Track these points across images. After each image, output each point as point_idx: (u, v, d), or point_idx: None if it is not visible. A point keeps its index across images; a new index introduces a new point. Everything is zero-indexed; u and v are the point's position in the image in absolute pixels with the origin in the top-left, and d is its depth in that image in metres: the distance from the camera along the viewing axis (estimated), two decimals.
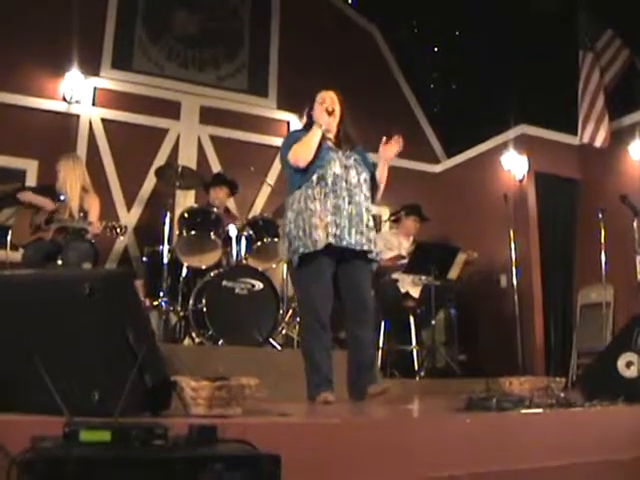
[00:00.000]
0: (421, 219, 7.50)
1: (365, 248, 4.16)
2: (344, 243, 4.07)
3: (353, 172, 4.21)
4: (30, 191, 6.09)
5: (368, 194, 4.29)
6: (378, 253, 4.33)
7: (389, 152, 4.31)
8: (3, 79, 7.21)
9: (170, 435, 1.62)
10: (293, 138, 4.34)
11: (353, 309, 4.24)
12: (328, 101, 4.34)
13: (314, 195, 4.12)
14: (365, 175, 4.29)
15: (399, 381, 6.25)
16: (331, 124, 4.31)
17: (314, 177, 4.15)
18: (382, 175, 4.39)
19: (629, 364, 4.00)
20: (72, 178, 6.11)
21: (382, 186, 4.44)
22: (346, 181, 4.16)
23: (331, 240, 4.03)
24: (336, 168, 4.17)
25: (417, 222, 7.46)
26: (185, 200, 7.59)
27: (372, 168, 4.41)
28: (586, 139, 7.81)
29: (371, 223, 4.25)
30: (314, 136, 4.19)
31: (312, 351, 4.11)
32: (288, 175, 4.38)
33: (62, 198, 6.03)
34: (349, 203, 4.13)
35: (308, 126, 4.36)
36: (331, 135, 4.35)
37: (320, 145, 4.22)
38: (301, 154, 4.19)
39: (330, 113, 4.27)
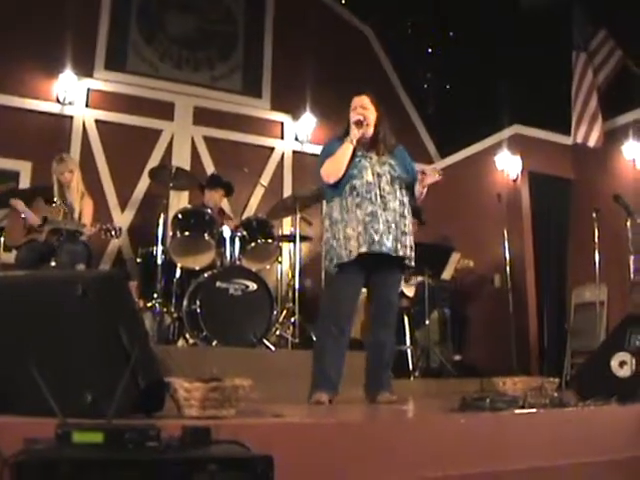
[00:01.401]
0: (419, 222, 7.48)
1: (400, 254, 4.16)
2: (383, 249, 4.08)
3: (386, 179, 4.20)
4: (22, 198, 6.06)
5: (405, 199, 4.27)
6: (412, 259, 4.30)
7: (426, 181, 4.25)
8: None
9: (163, 436, 1.61)
10: (329, 150, 4.33)
11: (379, 310, 4.29)
12: (359, 109, 4.31)
13: (347, 206, 4.14)
14: (400, 180, 4.27)
15: (393, 381, 6.25)
16: (365, 133, 4.28)
17: (347, 187, 4.17)
18: (419, 194, 4.34)
19: (622, 364, 4.02)
20: (73, 180, 6.11)
21: (421, 197, 4.40)
22: (379, 188, 4.15)
23: (365, 249, 4.04)
24: (368, 176, 4.16)
25: (414, 224, 7.43)
26: (179, 201, 7.58)
27: (412, 170, 4.38)
28: (579, 139, 7.83)
29: (407, 229, 4.23)
30: (345, 154, 4.20)
31: (323, 353, 4.13)
32: (324, 185, 4.38)
33: (55, 199, 6.02)
34: (384, 210, 4.12)
35: (346, 132, 4.34)
36: (367, 140, 4.31)
37: (354, 153, 4.22)
38: (331, 172, 4.22)
39: (359, 125, 4.24)
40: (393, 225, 4.13)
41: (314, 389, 4.03)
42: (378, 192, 4.14)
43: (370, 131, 4.32)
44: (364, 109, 4.33)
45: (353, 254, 4.05)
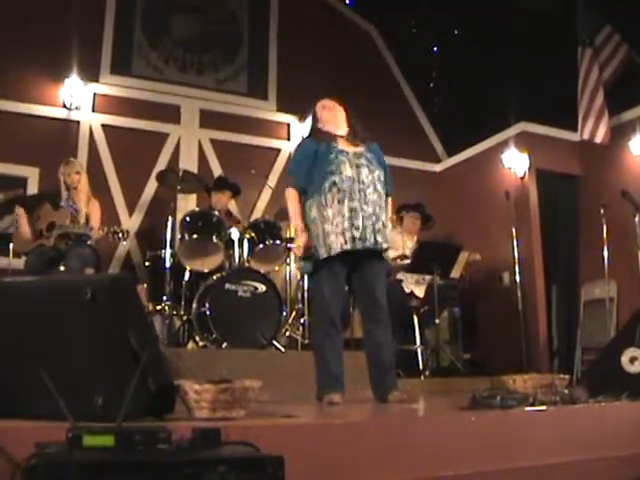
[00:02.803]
0: (421, 216, 7.48)
1: (384, 246, 4.21)
2: (366, 244, 4.10)
3: (365, 171, 4.21)
4: (28, 205, 6.09)
5: (382, 191, 4.30)
6: (388, 249, 4.35)
7: None
8: (3, 86, 7.21)
9: (174, 438, 1.62)
10: (301, 154, 4.42)
11: (366, 308, 4.30)
12: (329, 106, 4.47)
13: (327, 202, 4.15)
14: (378, 172, 4.29)
15: (404, 381, 6.25)
16: (337, 120, 4.40)
17: (326, 184, 4.17)
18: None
19: (633, 359, 4.01)
20: (80, 184, 6.12)
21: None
22: (359, 181, 4.17)
23: (348, 246, 4.07)
24: (347, 171, 4.17)
25: (416, 219, 7.43)
26: (187, 204, 7.58)
27: (386, 166, 4.44)
28: (586, 135, 7.81)
29: (386, 221, 4.29)
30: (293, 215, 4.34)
31: (322, 352, 4.14)
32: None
33: (63, 204, 6.03)
34: (365, 203, 4.14)
35: (313, 130, 4.45)
36: (343, 132, 4.37)
37: (331, 149, 4.25)
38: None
39: (330, 109, 4.41)
40: (373, 218, 4.15)
41: (324, 390, 4.03)
42: (358, 186, 4.16)
43: (344, 124, 4.43)
44: (332, 109, 4.49)
45: (333, 250, 4.07)
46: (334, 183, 4.15)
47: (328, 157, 4.21)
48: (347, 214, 4.09)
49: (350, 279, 4.31)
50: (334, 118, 4.42)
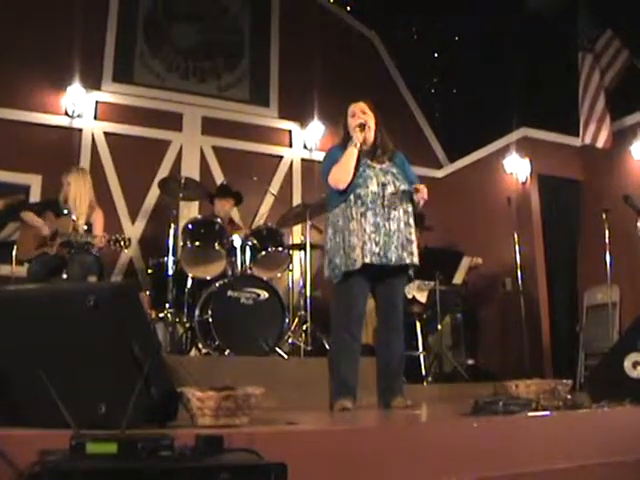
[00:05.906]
0: (421, 228, 7.46)
1: (407, 262, 4.16)
2: (384, 260, 4.08)
3: (390, 188, 4.19)
4: (32, 211, 6.09)
5: (409, 208, 4.27)
6: (416, 265, 4.30)
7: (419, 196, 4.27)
8: (5, 95, 7.24)
9: (176, 446, 1.62)
10: (332, 158, 4.32)
11: (386, 316, 4.31)
12: (359, 114, 4.33)
13: (352, 214, 4.13)
14: (403, 188, 4.24)
15: (406, 387, 6.24)
16: (367, 138, 4.30)
17: (352, 196, 4.15)
18: (417, 203, 4.33)
19: (636, 364, 4.00)
20: (82, 192, 6.12)
21: (419, 206, 4.39)
22: (383, 198, 4.15)
23: (368, 260, 4.04)
24: (373, 186, 4.15)
25: (417, 230, 7.39)
26: (189, 211, 7.60)
27: (413, 178, 4.39)
28: (588, 140, 7.81)
29: (412, 236, 4.23)
30: (351, 158, 4.18)
31: (339, 361, 4.14)
32: (328, 193, 4.40)
33: (65, 212, 6.03)
34: (387, 219, 4.12)
35: (345, 140, 4.35)
36: (368, 147, 4.32)
37: (359, 161, 4.22)
38: (340, 177, 4.19)
39: (362, 129, 4.25)
40: (398, 234, 4.13)
41: (337, 397, 4.04)
42: (382, 202, 4.14)
43: (371, 137, 4.33)
44: (364, 114, 4.34)
45: (357, 264, 4.04)
46: (359, 196, 4.13)
47: (356, 169, 4.19)
48: (369, 229, 4.07)
49: (374, 289, 4.31)
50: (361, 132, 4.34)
